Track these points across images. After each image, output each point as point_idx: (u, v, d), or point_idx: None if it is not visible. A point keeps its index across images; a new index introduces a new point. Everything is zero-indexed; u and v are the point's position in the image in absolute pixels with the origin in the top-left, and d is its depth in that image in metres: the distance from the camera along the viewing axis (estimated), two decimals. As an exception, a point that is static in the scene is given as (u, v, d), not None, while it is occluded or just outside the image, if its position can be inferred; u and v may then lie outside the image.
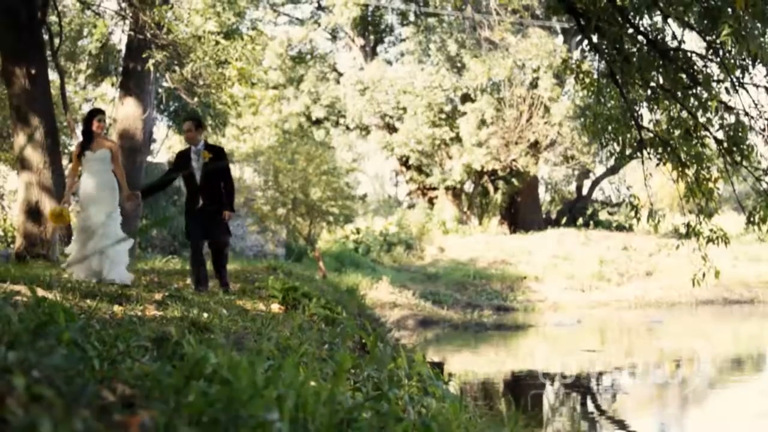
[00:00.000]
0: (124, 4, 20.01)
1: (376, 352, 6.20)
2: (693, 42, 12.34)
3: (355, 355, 6.54)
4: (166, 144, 44.63)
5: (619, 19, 11.75)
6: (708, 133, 12.39)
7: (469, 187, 47.87)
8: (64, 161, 20.16)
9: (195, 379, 2.69)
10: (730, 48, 10.45)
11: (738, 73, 11.24)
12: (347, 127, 48.30)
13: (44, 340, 2.62)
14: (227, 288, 12.93)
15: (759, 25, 10.08)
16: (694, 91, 11.96)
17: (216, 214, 13.35)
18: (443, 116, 44.81)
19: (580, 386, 18.24)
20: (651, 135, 12.86)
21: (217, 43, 19.92)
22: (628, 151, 13.38)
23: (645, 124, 13.01)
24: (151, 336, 4.08)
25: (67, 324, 3.03)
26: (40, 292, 6.80)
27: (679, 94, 12.11)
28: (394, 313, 27.89)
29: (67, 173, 14.31)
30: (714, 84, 11.63)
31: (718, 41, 10.64)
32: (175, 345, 3.81)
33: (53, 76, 22.52)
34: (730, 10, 10.20)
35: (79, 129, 14.33)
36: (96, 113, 13.36)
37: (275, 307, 10.26)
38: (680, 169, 12.57)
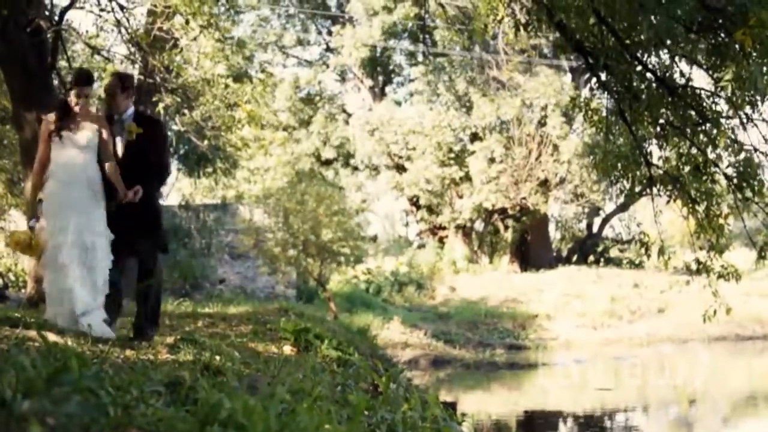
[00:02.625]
0: (133, 49, 20.11)
1: (389, 393, 6.19)
2: (701, 79, 12.36)
3: (368, 396, 6.52)
4: (177, 186, 44.77)
5: (627, 57, 11.78)
6: (718, 170, 12.39)
7: (479, 225, 47.85)
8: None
9: (210, 425, 2.69)
10: (731, 90, 10.48)
11: (747, 109, 11.25)
12: (356, 168, 48.39)
13: (59, 387, 2.62)
14: (145, 334, 9.49)
15: (766, 63, 10.09)
16: (703, 127, 11.97)
17: (143, 216, 9.72)
18: (452, 155, 44.85)
19: (593, 425, 18.17)
20: (660, 172, 12.86)
21: (227, 86, 20.02)
22: (637, 188, 13.37)
23: (654, 161, 13.01)
24: (164, 381, 4.07)
25: (81, 370, 3.03)
26: (52, 337, 6.81)
27: (688, 130, 12.12)
28: (405, 353, 27.84)
29: (35, 165, 9.98)
30: (723, 120, 11.64)
31: (719, 85, 10.67)
32: (189, 390, 3.81)
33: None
34: (737, 46, 10.23)
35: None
36: (79, 81, 9.88)
37: (287, 349, 10.24)
38: (690, 205, 12.56)
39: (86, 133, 9.49)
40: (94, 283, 9.20)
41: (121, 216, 9.50)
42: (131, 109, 9.94)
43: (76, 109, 9.60)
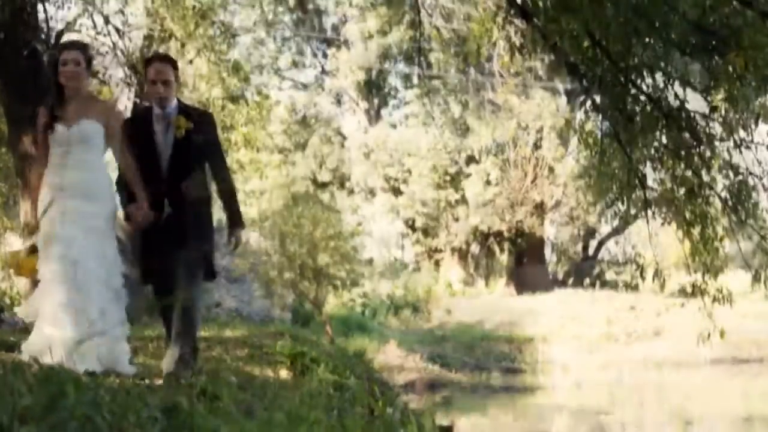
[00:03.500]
0: (129, 72, 20.15)
1: (386, 417, 6.19)
2: (696, 101, 12.39)
3: (364, 420, 6.52)
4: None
5: (622, 79, 11.81)
6: (713, 192, 12.40)
7: (475, 248, 47.80)
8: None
9: (206, 451, 2.69)
10: (723, 112, 10.53)
11: (741, 132, 11.29)
12: (352, 191, 48.39)
13: (56, 413, 2.62)
14: (186, 365, 7.65)
15: (760, 84, 10.13)
16: (697, 150, 12.00)
17: (193, 234, 7.92)
18: (448, 178, 44.88)
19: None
20: (656, 194, 12.87)
21: (223, 108, 20.04)
22: (633, 211, 13.38)
23: (649, 183, 13.02)
24: (160, 406, 4.07)
25: (78, 396, 3.03)
26: (48, 362, 6.78)
27: (682, 153, 12.14)
28: (402, 377, 27.77)
29: (32, 169, 8.49)
30: (717, 143, 11.68)
31: (712, 104, 10.72)
32: (186, 415, 3.80)
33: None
34: (731, 68, 10.26)
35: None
36: (70, 48, 8.03)
37: (283, 373, 10.23)
38: (686, 227, 12.56)
39: (85, 123, 7.63)
40: (84, 309, 7.36)
41: (166, 230, 7.86)
42: (175, 101, 8.18)
43: (63, 81, 7.73)
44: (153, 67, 8.11)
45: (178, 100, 8.24)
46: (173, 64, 8.27)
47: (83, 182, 7.58)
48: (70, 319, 7.31)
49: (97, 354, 7.26)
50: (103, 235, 7.62)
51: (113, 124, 7.78)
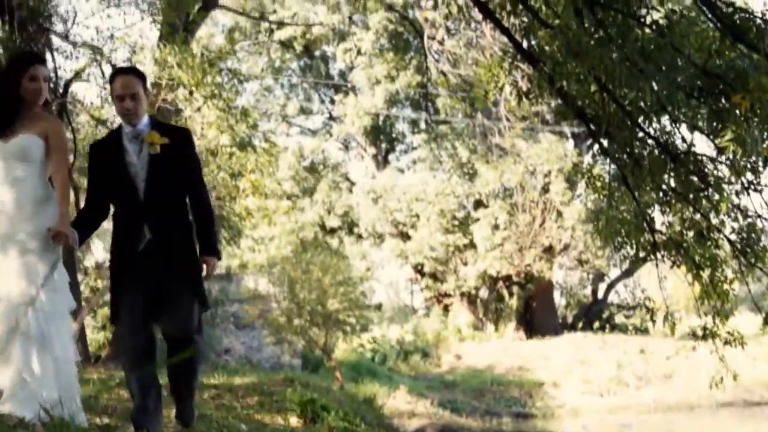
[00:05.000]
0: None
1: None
2: (703, 144, 12.41)
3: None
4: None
5: (629, 123, 11.83)
6: (721, 235, 12.38)
7: (484, 293, 47.69)
8: (79, 276, 20.11)
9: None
10: (731, 154, 10.55)
11: (749, 175, 11.29)
12: (360, 236, 48.37)
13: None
14: (187, 422, 7.41)
15: (766, 127, 10.15)
16: (705, 193, 12.00)
17: (179, 261, 7.28)
18: (456, 223, 44.85)
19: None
20: (664, 237, 12.85)
21: (232, 155, 20.09)
22: (641, 254, 13.35)
23: (658, 226, 13.01)
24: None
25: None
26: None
27: (690, 196, 12.14)
28: (412, 423, 27.67)
29: None
30: (725, 186, 11.67)
31: (719, 147, 10.74)
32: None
33: (68, 192, 22.61)
34: (737, 111, 10.28)
35: None
36: (42, 63, 7.39)
37: (294, 421, 10.21)
38: (695, 271, 12.53)
39: (23, 137, 6.95)
40: (43, 361, 6.41)
41: (152, 263, 7.16)
42: (146, 117, 7.41)
43: (30, 96, 7.07)
44: (117, 81, 7.38)
45: (150, 117, 7.51)
46: (140, 75, 7.54)
47: (20, 199, 6.86)
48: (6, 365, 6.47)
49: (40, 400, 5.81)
50: (47, 259, 6.86)
51: (56, 140, 7.09)
